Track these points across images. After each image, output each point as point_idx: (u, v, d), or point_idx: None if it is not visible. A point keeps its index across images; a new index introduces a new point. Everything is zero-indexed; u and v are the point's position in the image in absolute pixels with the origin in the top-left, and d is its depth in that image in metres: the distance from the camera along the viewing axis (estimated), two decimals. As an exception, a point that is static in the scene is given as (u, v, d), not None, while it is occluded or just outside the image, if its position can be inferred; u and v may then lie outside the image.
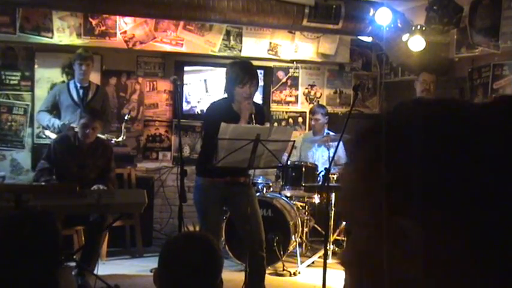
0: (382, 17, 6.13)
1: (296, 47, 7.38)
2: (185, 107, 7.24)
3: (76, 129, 5.49)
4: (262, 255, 4.60)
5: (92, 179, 5.46)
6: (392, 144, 0.68)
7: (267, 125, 6.76)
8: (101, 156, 5.59)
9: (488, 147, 0.66)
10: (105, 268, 5.52)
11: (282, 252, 5.89)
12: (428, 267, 0.65)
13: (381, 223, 0.66)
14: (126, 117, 6.40)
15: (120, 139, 6.23)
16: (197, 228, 7.09)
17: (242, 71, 4.40)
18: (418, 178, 0.65)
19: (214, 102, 4.79)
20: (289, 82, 7.70)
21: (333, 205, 6.40)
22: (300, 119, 7.74)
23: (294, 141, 4.83)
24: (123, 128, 6.29)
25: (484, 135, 0.67)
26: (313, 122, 6.82)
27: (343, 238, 6.48)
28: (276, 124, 7.50)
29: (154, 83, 7.17)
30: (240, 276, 4.74)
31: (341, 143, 6.44)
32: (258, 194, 6.29)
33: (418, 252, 0.64)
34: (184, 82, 7.17)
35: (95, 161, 5.55)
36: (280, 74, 7.65)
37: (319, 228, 6.77)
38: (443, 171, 0.65)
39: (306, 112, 7.72)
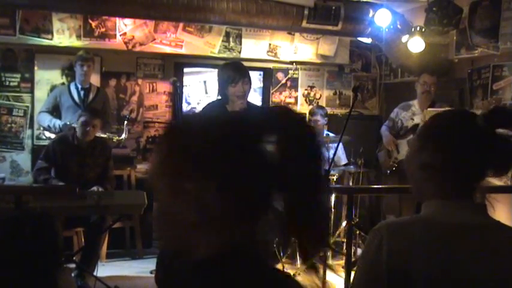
0: (382, 18, 6.13)
1: (295, 48, 7.39)
2: (185, 108, 7.24)
3: (76, 129, 5.51)
4: None
5: (91, 178, 5.49)
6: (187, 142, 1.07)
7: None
8: (100, 154, 5.62)
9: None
10: (105, 269, 5.53)
11: (281, 254, 5.89)
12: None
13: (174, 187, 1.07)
14: (127, 117, 6.41)
15: (122, 137, 6.24)
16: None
17: (233, 71, 4.42)
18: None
19: (208, 104, 4.80)
20: (288, 83, 7.71)
21: (332, 206, 6.40)
22: (300, 120, 7.74)
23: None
24: (124, 127, 6.30)
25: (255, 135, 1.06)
26: (312, 123, 6.81)
27: (343, 239, 6.47)
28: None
29: (154, 84, 7.17)
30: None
31: (341, 144, 6.47)
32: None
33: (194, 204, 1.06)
34: (184, 83, 7.18)
35: (95, 160, 5.59)
36: (280, 75, 7.66)
37: (319, 230, 6.76)
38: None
39: (305, 113, 7.72)
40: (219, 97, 4.59)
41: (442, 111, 1.79)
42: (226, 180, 1.04)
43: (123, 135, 6.23)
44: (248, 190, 1.05)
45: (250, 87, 4.51)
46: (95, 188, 5.36)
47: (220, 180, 1.04)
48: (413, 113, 6.01)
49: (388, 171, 6.06)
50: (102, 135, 5.95)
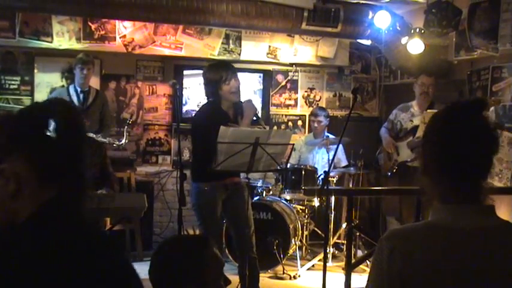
0: (381, 20, 6.13)
1: (295, 51, 7.39)
2: (184, 110, 7.25)
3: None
4: (254, 256, 4.60)
5: (89, 177, 5.50)
6: None
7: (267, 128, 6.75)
8: (94, 153, 5.62)
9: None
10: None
11: (281, 256, 5.89)
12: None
13: None
14: (128, 121, 6.41)
15: (122, 142, 6.23)
16: (196, 232, 7.11)
17: (223, 69, 4.46)
18: None
19: (202, 106, 4.80)
20: (288, 85, 7.71)
21: (332, 208, 6.40)
22: (300, 122, 7.74)
23: (294, 144, 4.84)
24: (125, 131, 6.29)
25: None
26: (315, 124, 6.81)
27: (343, 241, 6.47)
28: (275, 127, 7.51)
29: (154, 86, 7.18)
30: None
31: (341, 146, 6.47)
32: (257, 197, 6.31)
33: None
34: (184, 86, 7.18)
35: (90, 159, 5.59)
36: (280, 77, 7.66)
37: (319, 232, 6.78)
38: None
39: (305, 115, 7.73)
40: (210, 99, 4.58)
41: (437, 111, 1.76)
42: (31, 154, 1.39)
43: (123, 140, 6.22)
44: (45, 160, 1.41)
45: (239, 83, 4.55)
46: (104, 191, 5.36)
47: (27, 154, 1.38)
48: (413, 115, 6.00)
49: (389, 174, 6.06)
50: (103, 140, 5.94)
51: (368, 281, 1.68)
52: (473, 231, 1.58)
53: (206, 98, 4.64)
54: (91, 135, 5.81)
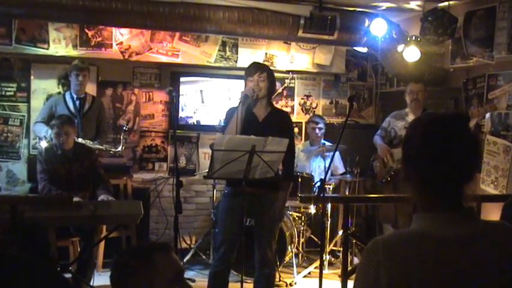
0: (378, 28, 6.16)
1: (292, 58, 7.40)
2: (181, 117, 7.25)
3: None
4: (270, 271, 4.55)
5: (82, 184, 5.51)
6: None
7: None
8: (85, 159, 5.63)
9: None
10: (101, 279, 5.51)
11: (278, 263, 5.88)
12: None
13: None
14: (124, 128, 6.41)
15: (119, 149, 6.23)
16: (193, 240, 7.11)
17: (251, 66, 4.61)
18: None
19: (232, 107, 4.76)
20: (285, 93, 7.72)
21: (328, 215, 6.40)
22: (296, 130, 7.75)
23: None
24: (121, 138, 6.29)
25: None
26: (317, 131, 6.82)
27: (339, 248, 6.47)
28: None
29: (151, 93, 7.18)
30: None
31: (338, 153, 6.47)
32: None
33: None
34: (180, 93, 7.19)
35: (81, 164, 5.60)
36: (276, 84, 7.64)
37: (315, 239, 6.77)
38: None
39: (302, 122, 7.74)
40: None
41: (418, 123, 1.73)
42: None
43: (120, 147, 6.22)
44: None
45: (268, 85, 4.52)
46: (103, 197, 5.35)
47: None
48: (407, 122, 6.01)
49: (383, 180, 6.06)
50: (99, 147, 5.94)
51: None
52: (459, 238, 1.59)
53: None
54: (82, 141, 5.81)
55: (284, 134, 4.25)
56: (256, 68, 4.56)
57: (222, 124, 4.90)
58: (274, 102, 7.53)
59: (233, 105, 4.71)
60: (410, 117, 6.01)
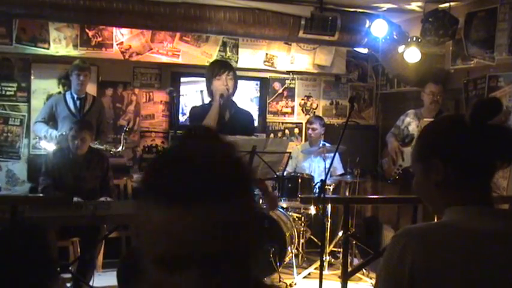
0: (378, 29, 6.15)
1: (292, 58, 7.40)
2: (181, 118, 7.25)
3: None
4: None
5: (89, 190, 5.44)
6: None
7: (263, 136, 6.75)
8: (96, 166, 5.59)
9: None
10: (101, 280, 5.50)
11: (278, 264, 5.87)
12: None
13: None
14: (125, 128, 6.40)
15: (119, 149, 6.22)
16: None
17: (217, 64, 4.52)
18: None
19: (195, 106, 4.78)
20: (285, 93, 7.72)
21: (329, 216, 6.39)
22: (296, 130, 7.75)
23: (290, 152, 4.83)
24: (122, 138, 6.28)
25: None
26: (310, 131, 6.83)
27: (339, 249, 6.46)
28: (272, 135, 7.52)
29: (151, 94, 7.18)
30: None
31: (337, 154, 6.47)
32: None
33: None
34: (181, 93, 7.19)
35: (92, 172, 5.55)
36: (277, 85, 7.67)
37: (315, 240, 6.76)
38: None
39: (302, 123, 7.73)
40: (209, 100, 4.59)
41: (426, 125, 1.75)
42: None
43: (120, 147, 6.21)
44: None
45: (234, 84, 4.49)
46: (103, 199, 5.33)
47: None
48: (422, 122, 5.97)
49: (391, 179, 6.04)
50: (100, 147, 5.93)
51: (379, 275, 1.64)
52: (491, 233, 1.57)
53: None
54: (97, 146, 5.80)
55: (247, 134, 4.30)
56: (224, 66, 4.50)
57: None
58: (274, 103, 7.63)
59: (195, 104, 4.72)
60: (425, 118, 5.97)
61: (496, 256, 1.54)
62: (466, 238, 1.56)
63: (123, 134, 6.30)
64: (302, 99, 7.80)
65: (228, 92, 4.41)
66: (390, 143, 6.17)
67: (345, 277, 4.35)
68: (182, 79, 7.26)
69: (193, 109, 4.69)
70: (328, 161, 6.12)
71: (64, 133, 5.80)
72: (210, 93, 4.49)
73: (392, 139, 6.17)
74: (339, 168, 6.90)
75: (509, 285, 1.54)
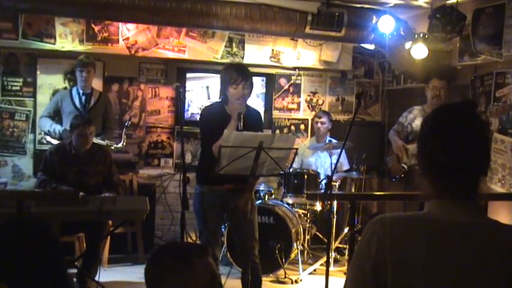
0: (385, 25, 6.13)
1: (298, 54, 7.38)
2: (187, 113, 7.24)
3: (72, 138, 5.46)
4: (257, 262, 4.55)
5: (92, 186, 5.42)
6: None
7: (269, 132, 6.73)
8: (99, 162, 5.56)
9: None
10: (106, 275, 5.51)
11: (283, 260, 5.87)
12: None
13: None
14: (126, 124, 6.41)
15: (120, 145, 6.23)
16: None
17: (236, 72, 4.40)
18: None
19: (207, 106, 4.79)
20: (291, 89, 7.70)
21: (334, 212, 6.39)
22: (302, 126, 7.73)
23: (297, 148, 4.81)
24: (123, 134, 6.29)
25: None
26: (319, 125, 6.79)
27: (345, 246, 6.45)
28: (278, 131, 7.51)
29: (157, 89, 7.17)
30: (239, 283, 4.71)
31: (343, 150, 6.45)
32: (259, 201, 6.29)
33: None
34: (187, 89, 7.19)
35: (95, 168, 5.53)
36: (283, 81, 7.65)
37: (321, 236, 6.76)
38: None
39: (308, 119, 7.72)
40: (221, 98, 4.58)
41: (429, 113, 1.78)
42: None
43: (121, 143, 6.21)
44: None
45: (250, 91, 4.49)
46: (106, 194, 5.32)
47: None
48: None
49: (396, 177, 6.00)
50: (101, 143, 5.92)
51: (354, 258, 1.72)
52: (459, 225, 1.62)
53: (219, 95, 4.67)
54: (98, 141, 5.80)
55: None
56: (242, 74, 4.39)
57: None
58: (280, 99, 7.61)
59: (205, 104, 4.72)
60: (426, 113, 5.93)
61: (458, 248, 1.60)
62: (431, 229, 1.62)
63: (124, 129, 6.31)
64: (308, 95, 7.78)
65: (244, 99, 4.42)
66: (394, 142, 6.11)
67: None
68: (188, 75, 7.26)
69: (205, 110, 4.68)
70: (334, 157, 6.11)
71: (68, 129, 5.79)
72: (224, 95, 4.48)
73: (395, 137, 6.11)
74: (345, 163, 6.88)
75: (469, 275, 1.58)
